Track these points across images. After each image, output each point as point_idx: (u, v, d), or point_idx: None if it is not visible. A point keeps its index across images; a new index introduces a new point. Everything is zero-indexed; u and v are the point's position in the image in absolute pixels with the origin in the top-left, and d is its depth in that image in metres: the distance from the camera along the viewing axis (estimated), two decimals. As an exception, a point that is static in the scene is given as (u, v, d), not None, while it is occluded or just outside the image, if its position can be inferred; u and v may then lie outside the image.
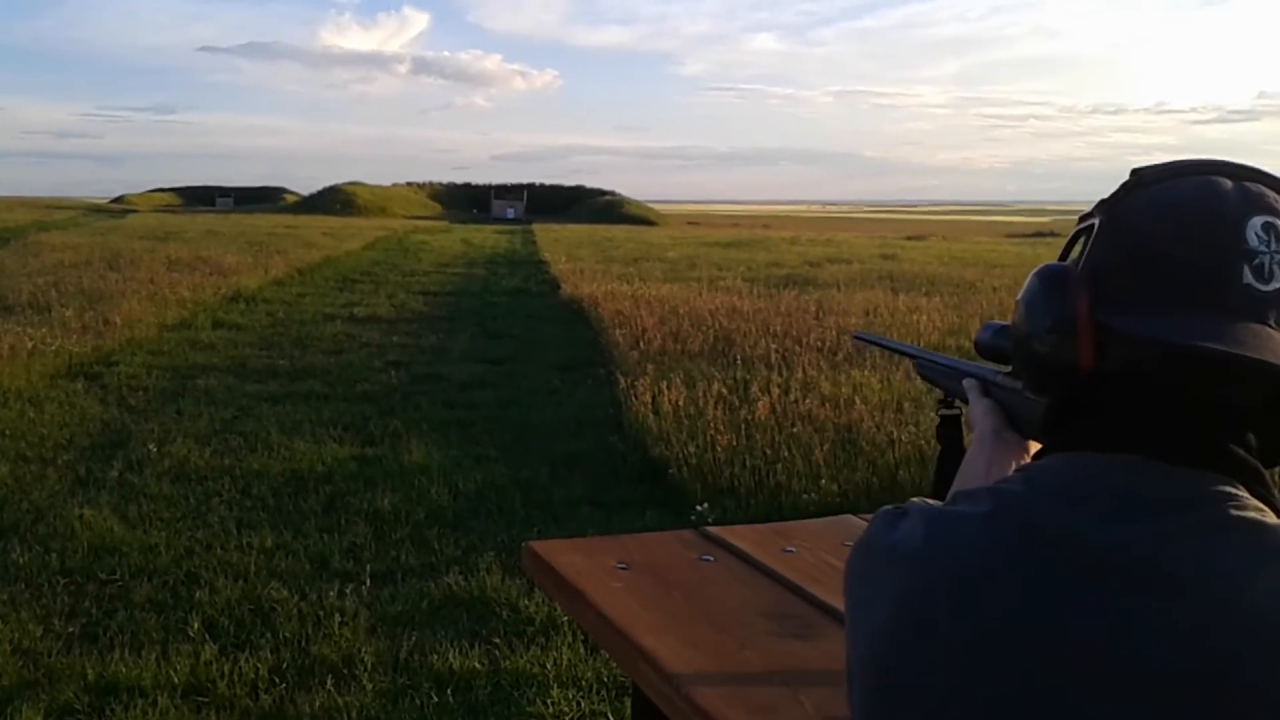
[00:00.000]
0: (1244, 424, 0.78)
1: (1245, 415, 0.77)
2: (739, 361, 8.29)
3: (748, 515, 4.95)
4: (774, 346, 8.89)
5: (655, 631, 1.35)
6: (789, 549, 1.66)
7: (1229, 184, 0.78)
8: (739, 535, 1.73)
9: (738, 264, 19.74)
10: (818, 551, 1.63)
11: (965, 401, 1.15)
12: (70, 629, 3.75)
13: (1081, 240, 0.83)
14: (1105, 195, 0.83)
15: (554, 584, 1.58)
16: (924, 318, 11.09)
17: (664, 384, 7.13)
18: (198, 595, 4.04)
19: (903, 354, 1.43)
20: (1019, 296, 0.86)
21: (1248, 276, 0.74)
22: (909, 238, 37.78)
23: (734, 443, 5.88)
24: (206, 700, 3.29)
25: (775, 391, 6.97)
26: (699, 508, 5.05)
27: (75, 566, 4.31)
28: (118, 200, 68.11)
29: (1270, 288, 0.75)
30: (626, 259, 20.81)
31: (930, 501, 0.83)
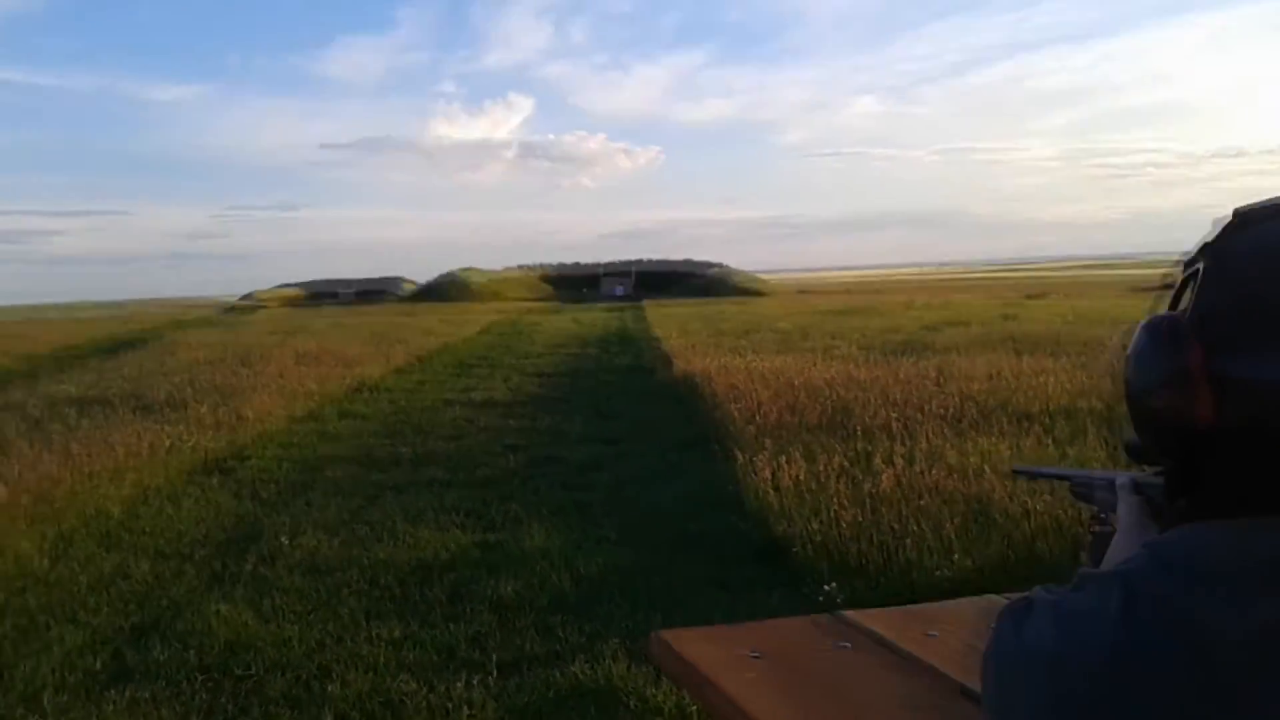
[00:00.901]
0: None
1: None
2: (859, 432, 8.11)
3: (878, 594, 4.79)
4: (894, 415, 8.70)
5: (796, 729, 1.29)
6: (932, 633, 1.58)
7: None
8: (876, 619, 1.65)
9: (852, 332, 19.53)
10: (962, 635, 1.54)
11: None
12: (207, 725, 3.81)
13: (1189, 287, 0.79)
14: (1207, 238, 0.80)
15: (684, 675, 1.52)
16: (1051, 379, 10.72)
17: (783, 459, 7.02)
18: (330, 689, 4.07)
19: (1060, 479, 1.40)
20: (1128, 351, 0.82)
21: None
22: (1029, 296, 36.88)
23: (859, 517, 5.73)
24: (340, 796, 3.29)
25: (899, 463, 6.79)
26: (826, 587, 4.90)
27: (212, 662, 4.40)
28: (247, 297, 71.34)
29: None
30: (738, 332, 20.79)
31: (1053, 590, 0.77)
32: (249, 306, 54.43)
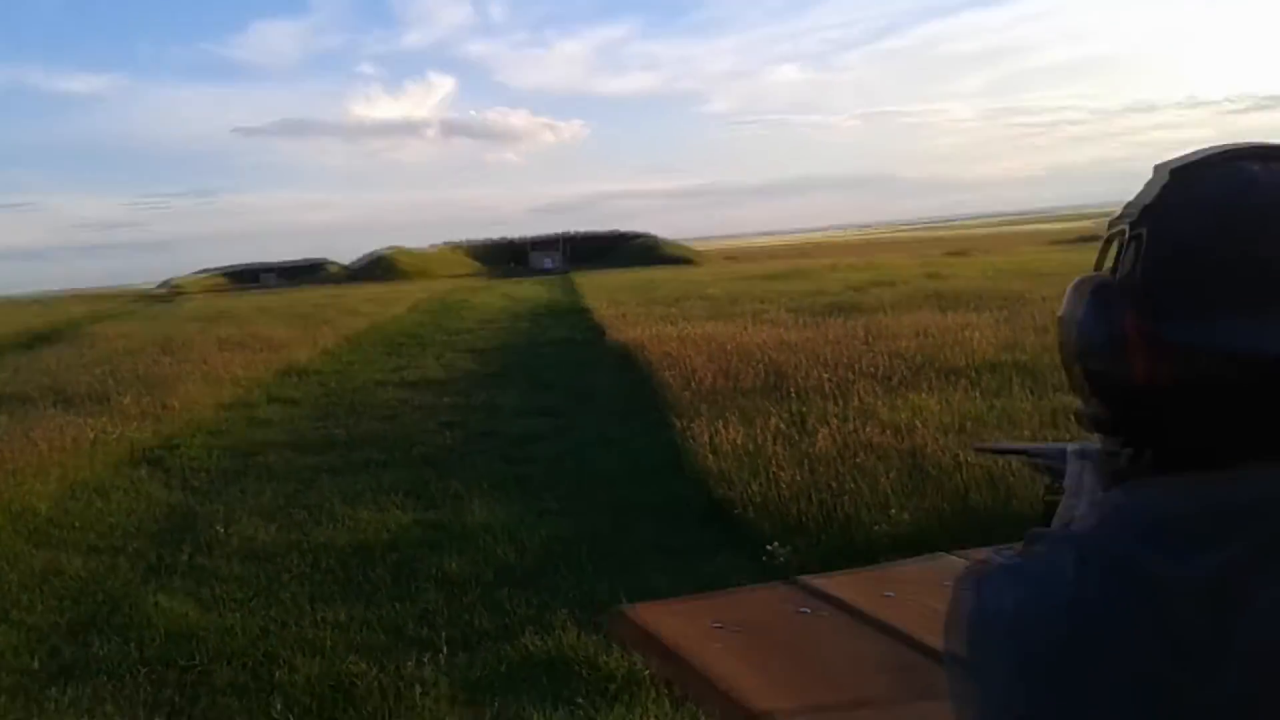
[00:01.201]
0: None
1: None
2: (793, 394, 8.21)
3: (820, 551, 4.84)
4: (827, 376, 8.80)
5: (763, 692, 1.30)
6: (888, 594, 1.61)
7: (1257, 168, 0.75)
8: (834, 584, 1.68)
9: (780, 296, 19.66)
10: (917, 594, 1.58)
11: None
12: (154, 719, 3.75)
13: (1116, 247, 0.80)
14: (1134, 197, 0.80)
15: (650, 649, 1.53)
16: (976, 334, 10.93)
17: (720, 423, 7.08)
18: (278, 675, 4.03)
19: (1018, 454, 1.43)
20: (1060, 314, 0.82)
21: None
22: (951, 254, 37.48)
23: (797, 477, 5.80)
24: (295, 783, 3.26)
25: (834, 422, 6.89)
26: (769, 547, 4.95)
27: (154, 655, 4.33)
28: (166, 285, 69.50)
29: None
30: (669, 300, 20.81)
31: (1005, 552, 0.79)
32: (169, 294, 53.03)
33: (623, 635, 1.67)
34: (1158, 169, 0.80)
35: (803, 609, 1.62)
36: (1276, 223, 0.73)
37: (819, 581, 1.73)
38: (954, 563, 1.60)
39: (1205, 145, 0.80)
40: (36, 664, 4.31)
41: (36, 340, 21.14)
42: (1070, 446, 1.15)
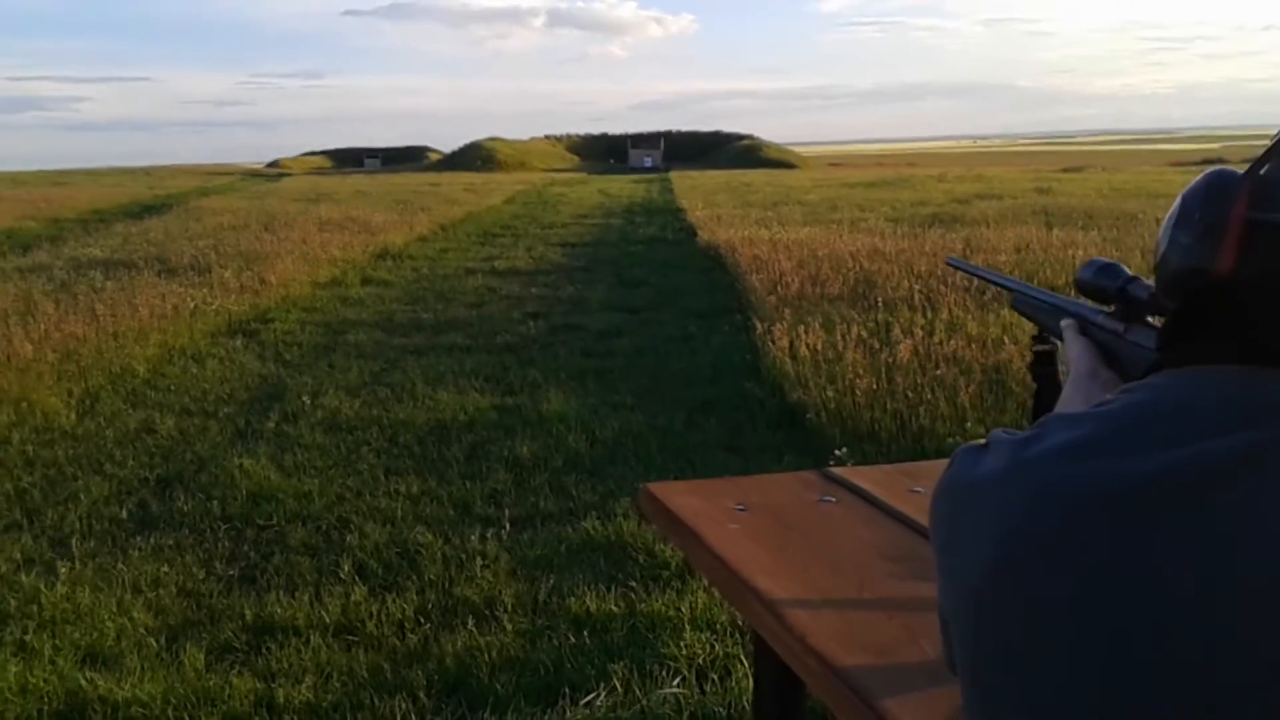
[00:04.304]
0: None
1: None
2: (880, 304, 8.08)
3: (889, 460, 4.82)
4: (917, 287, 8.62)
5: (770, 573, 1.30)
6: (916, 489, 1.59)
7: None
8: (863, 476, 1.66)
9: (881, 204, 19.25)
10: (946, 491, 1.55)
11: (1060, 339, 1.11)
12: (231, 572, 3.95)
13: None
14: None
15: (669, 525, 1.55)
16: (1080, 252, 10.57)
17: (801, 328, 7.01)
18: (348, 539, 4.20)
19: (999, 285, 1.37)
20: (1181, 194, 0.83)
21: None
22: (1065, 170, 36.11)
23: (874, 386, 5.74)
24: (356, 639, 3.42)
25: (918, 333, 6.77)
26: (837, 452, 4.94)
27: (235, 513, 4.53)
28: (272, 164, 71.00)
29: None
30: (765, 204, 20.54)
31: (1013, 432, 0.76)
32: (274, 174, 54.18)
33: (647, 512, 1.68)
34: None
35: (827, 497, 1.61)
36: None
37: (847, 473, 1.71)
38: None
39: None
40: (124, 514, 4.55)
41: (145, 211, 21.85)
42: (1065, 315, 1.11)
